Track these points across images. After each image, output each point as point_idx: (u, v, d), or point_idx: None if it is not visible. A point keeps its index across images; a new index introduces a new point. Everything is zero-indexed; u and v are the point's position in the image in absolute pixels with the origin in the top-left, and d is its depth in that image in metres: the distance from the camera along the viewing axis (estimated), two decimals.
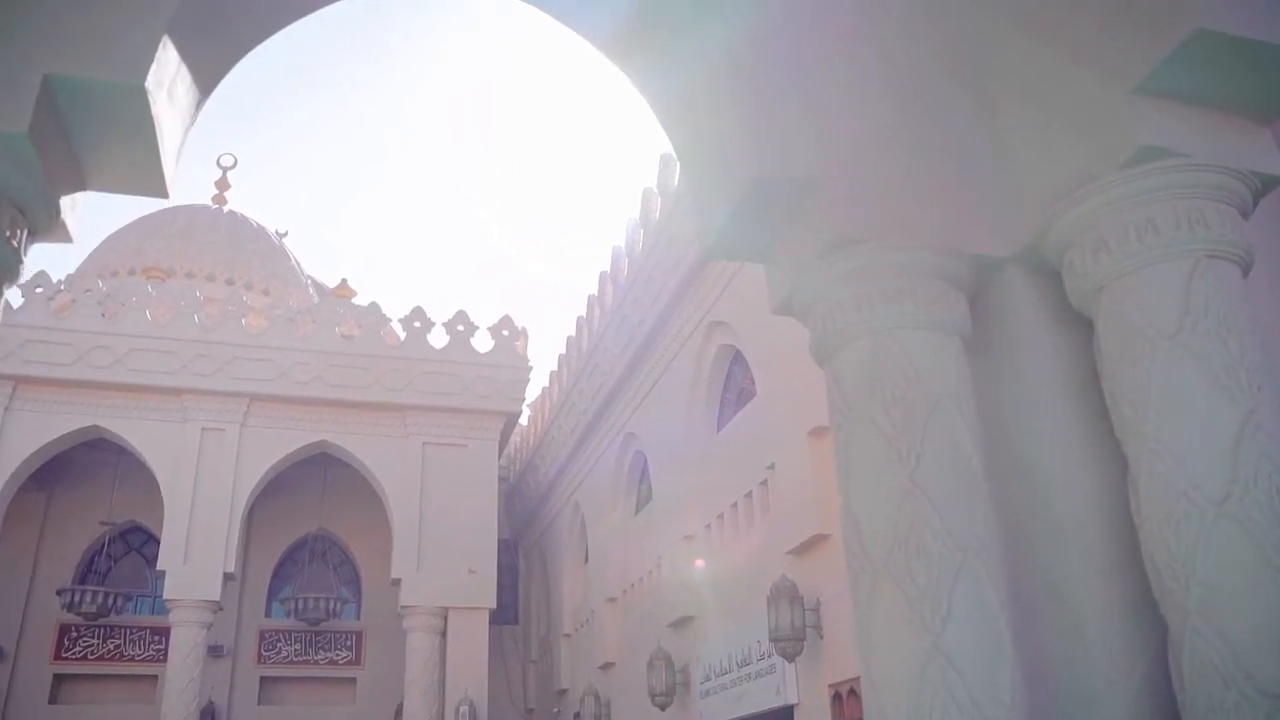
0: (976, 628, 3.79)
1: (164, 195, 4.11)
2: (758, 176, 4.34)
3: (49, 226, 3.91)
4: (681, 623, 13.48)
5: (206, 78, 4.20)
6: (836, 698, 9.36)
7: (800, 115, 4.47)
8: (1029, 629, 4.03)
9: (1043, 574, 4.18)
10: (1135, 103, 3.97)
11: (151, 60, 3.62)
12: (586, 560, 18.94)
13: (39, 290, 18.26)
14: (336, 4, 4.70)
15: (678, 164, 14.09)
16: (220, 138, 53.24)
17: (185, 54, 3.90)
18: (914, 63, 4.69)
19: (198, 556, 17.24)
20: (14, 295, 18.55)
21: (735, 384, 13.41)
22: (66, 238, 4.04)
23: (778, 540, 10.58)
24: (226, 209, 26.23)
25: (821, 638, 9.76)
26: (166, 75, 3.80)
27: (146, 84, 3.60)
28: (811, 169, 4.40)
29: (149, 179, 4.06)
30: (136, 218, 25.22)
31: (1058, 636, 4.07)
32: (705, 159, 4.86)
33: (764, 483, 11.51)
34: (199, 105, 4.26)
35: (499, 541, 19.20)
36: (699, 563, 13.14)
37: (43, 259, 53.88)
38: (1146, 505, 3.86)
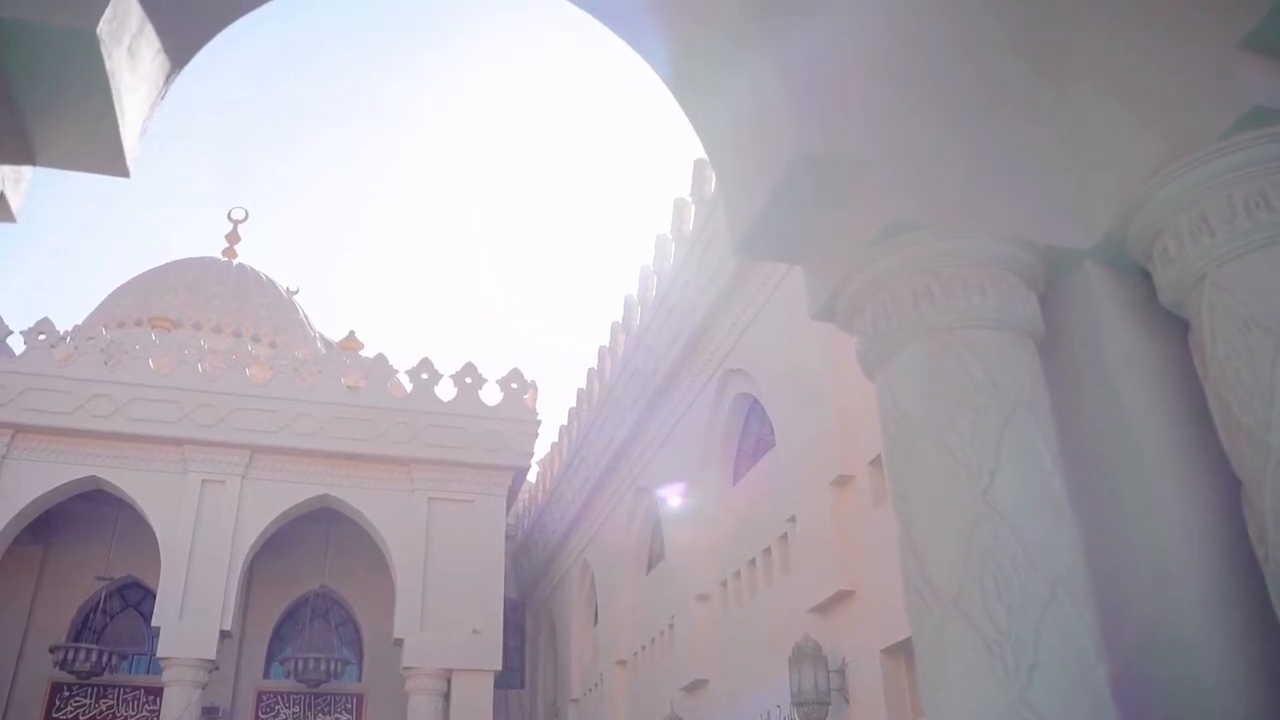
0: (1070, 676, 3.15)
1: (124, 174, 3.61)
2: (799, 154, 3.76)
3: None
4: (696, 686, 12.98)
5: (178, 45, 3.70)
6: None
7: (848, 88, 3.92)
8: (1128, 676, 3.40)
9: (1140, 612, 3.54)
10: (1241, 59, 3.43)
11: (105, 3, 3.14)
12: (596, 621, 18.43)
13: (41, 338, 17.98)
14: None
15: (692, 207, 13.74)
16: (232, 192, 53.69)
17: (151, 11, 3.42)
18: (979, 30, 4.16)
19: (194, 613, 16.76)
20: (16, 342, 18.28)
21: (752, 434, 12.96)
22: (8, 217, 3.53)
23: (799, 597, 10.12)
24: (236, 262, 26.14)
25: (847, 702, 9.23)
26: (126, 29, 3.30)
27: (98, 31, 3.11)
28: (861, 146, 3.85)
29: (106, 153, 3.53)
30: (147, 269, 25.18)
31: (1164, 687, 3.42)
32: (739, 140, 4.26)
33: (784, 536, 11.07)
34: (169, 77, 3.77)
35: (505, 601, 18.65)
36: (710, 617, 12.56)
37: (48, 308, 54.19)
38: (1274, 528, 3.25)
